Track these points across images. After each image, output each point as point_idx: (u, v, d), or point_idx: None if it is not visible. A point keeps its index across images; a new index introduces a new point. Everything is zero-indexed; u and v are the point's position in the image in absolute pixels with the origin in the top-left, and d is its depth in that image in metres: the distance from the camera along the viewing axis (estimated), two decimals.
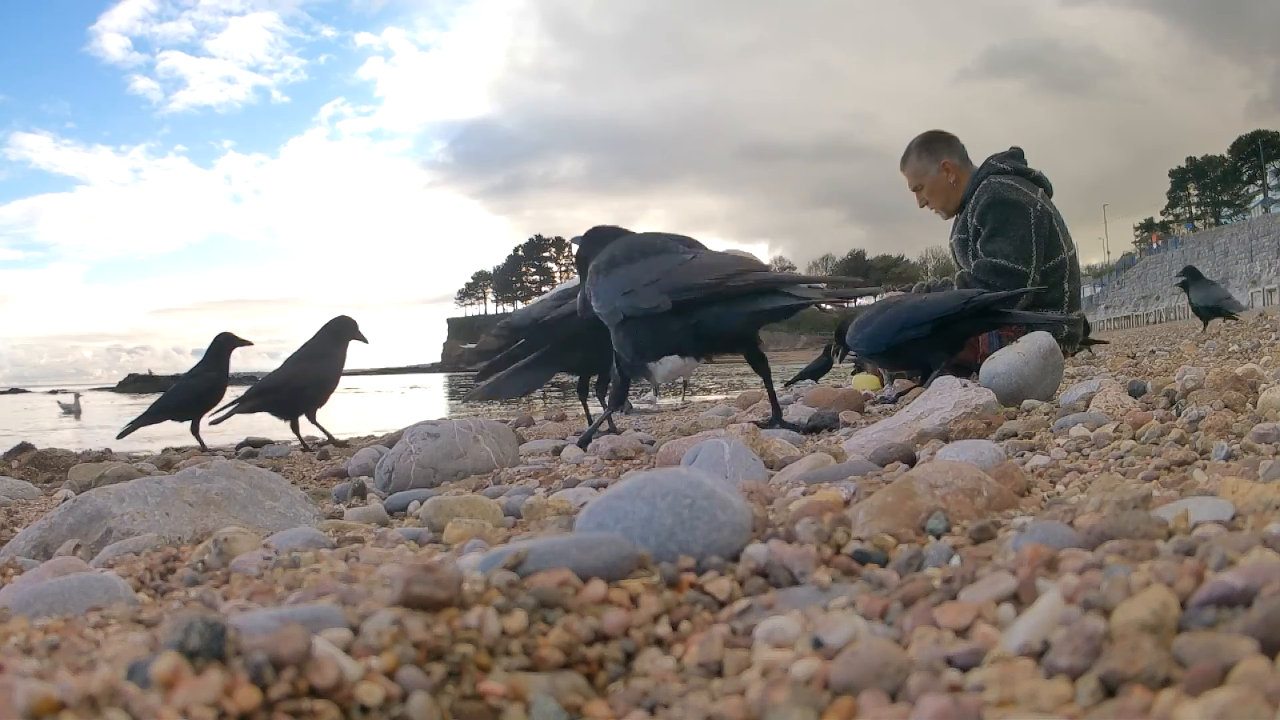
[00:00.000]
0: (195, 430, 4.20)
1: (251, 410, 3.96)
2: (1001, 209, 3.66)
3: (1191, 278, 7.21)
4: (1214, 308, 6.88)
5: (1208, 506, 0.75)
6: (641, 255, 2.31)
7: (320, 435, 4.04)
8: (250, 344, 4.44)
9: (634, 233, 2.48)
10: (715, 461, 1.43)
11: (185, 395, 4.18)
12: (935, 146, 4.01)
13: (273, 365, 4.31)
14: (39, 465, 3.59)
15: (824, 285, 2.40)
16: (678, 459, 1.70)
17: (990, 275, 3.64)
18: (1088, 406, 1.74)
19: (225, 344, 4.35)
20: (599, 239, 2.44)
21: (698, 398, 7.79)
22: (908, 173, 4.10)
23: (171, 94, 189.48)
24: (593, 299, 2.38)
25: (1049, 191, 3.85)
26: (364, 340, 4.17)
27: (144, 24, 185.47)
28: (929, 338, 2.84)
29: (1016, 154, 3.90)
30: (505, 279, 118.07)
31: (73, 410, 14.46)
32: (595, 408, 2.97)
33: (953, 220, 4.05)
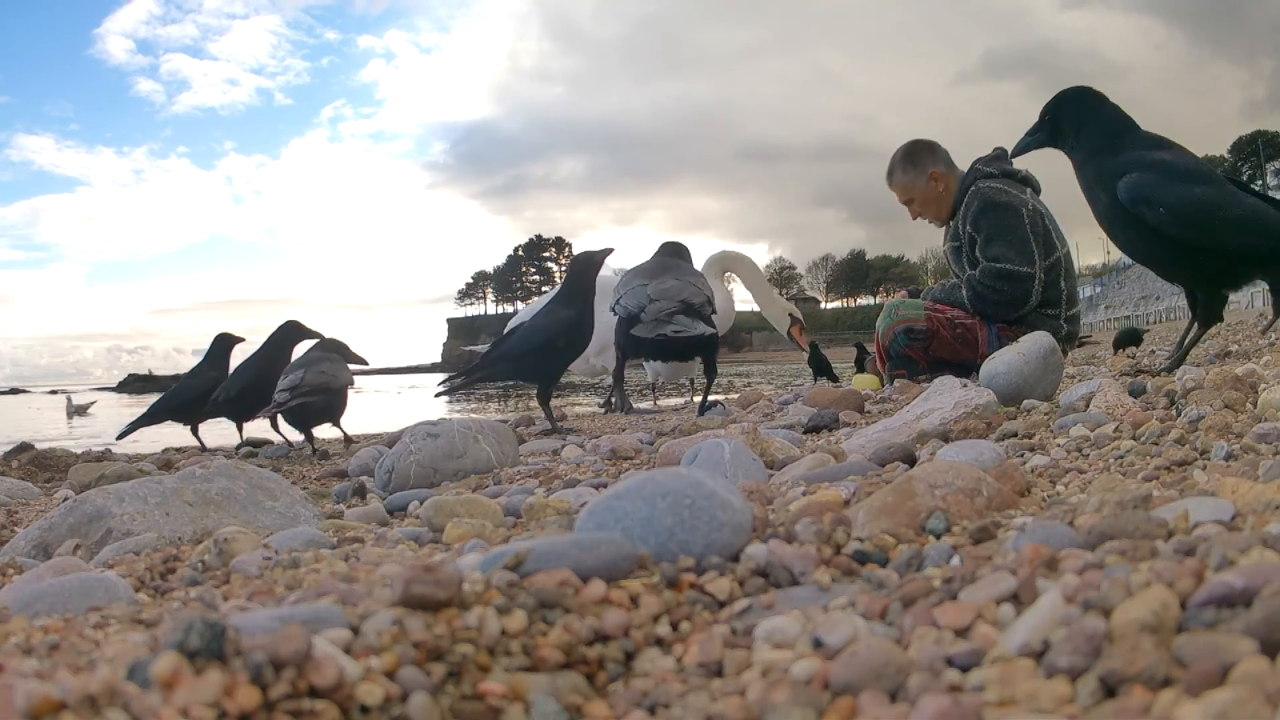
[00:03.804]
0: (195, 430, 4.20)
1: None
2: (995, 212, 3.64)
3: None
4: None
5: (1208, 506, 0.75)
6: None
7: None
8: (246, 340, 4.43)
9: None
10: (715, 461, 1.43)
11: (185, 395, 4.17)
12: (919, 157, 3.95)
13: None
14: (39, 465, 3.58)
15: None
16: (678, 459, 1.70)
17: (995, 279, 3.62)
18: (1088, 406, 1.73)
19: (225, 344, 4.34)
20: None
21: (698, 397, 7.78)
22: (896, 188, 4.03)
23: (174, 96, 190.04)
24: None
25: (1037, 190, 3.82)
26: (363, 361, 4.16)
27: (148, 27, 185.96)
28: None
29: (1001, 155, 3.86)
30: (505, 279, 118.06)
31: (76, 410, 14.48)
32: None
33: (946, 227, 4.03)
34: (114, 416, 11.70)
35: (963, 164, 3.95)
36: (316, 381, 3.55)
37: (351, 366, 3.86)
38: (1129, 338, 5.89)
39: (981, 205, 3.66)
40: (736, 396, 4.68)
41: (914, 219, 4.06)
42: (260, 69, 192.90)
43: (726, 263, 5.45)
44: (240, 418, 4.13)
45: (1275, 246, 2.26)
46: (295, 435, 4.12)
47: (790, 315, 5.40)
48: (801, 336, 5.40)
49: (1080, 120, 2.50)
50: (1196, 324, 2.46)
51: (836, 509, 0.91)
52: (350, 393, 3.72)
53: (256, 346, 4.21)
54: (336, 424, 3.78)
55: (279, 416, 3.74)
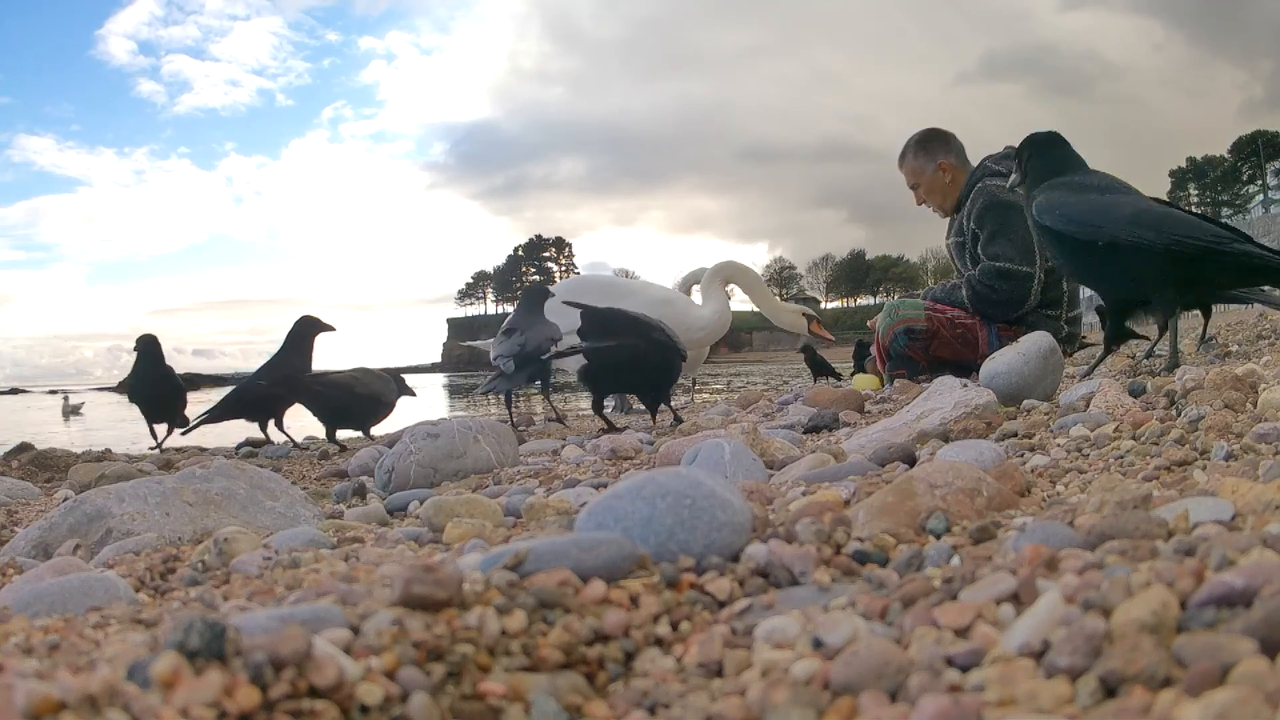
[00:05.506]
0: (264, 427, 4.07)
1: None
2: (999, 211, 3.65)
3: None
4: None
5: (1208, 506, 0.74)
6: None
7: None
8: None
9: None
10: (715, 461, 1.43)
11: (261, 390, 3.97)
12: (932, 145, 4.00)
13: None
14: (39, 465, 3.58)
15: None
16: (678, 459, 1.70)
17: (994, 278, 3.63)
18: (1088, 406, 1.73)
19: (307, 329, 4.14)
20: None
21: (699, 398, 7.79)
22: (905, 170, 4.09)
23: (176, 97, 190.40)
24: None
25: None
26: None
27: (150, 28, 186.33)
28: None
29: (1011, 154, 3.87)
30: (505, 279, 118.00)
31: (71, 410, 14.43)
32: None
33: (949, 221, 4.05)
34: (107, 416, 11.67)
35: (971, 161, 3.98)
36: (341, 380, 3.88)
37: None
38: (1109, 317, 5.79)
39: (986, 203, 3.67)
40: (737, 396, 4.68)
41: (918, 204, 4.10)
42: (261, 70, 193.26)
43: (728, 273, 5.48)
44: (268, 414, 4.11)
45: (1166, 241, 2.21)
46: (297, 435, 4.16)
47: (805, 315, 5.37)
48: (823, 330, 5.37)
49: (1031, 161, 2.58)
50: (1160, 334, 2.51)
51: (836, 509, 0.91)
52: (385, 408, 4.02)
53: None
54: (361, 430, 3.99)
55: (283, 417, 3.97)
